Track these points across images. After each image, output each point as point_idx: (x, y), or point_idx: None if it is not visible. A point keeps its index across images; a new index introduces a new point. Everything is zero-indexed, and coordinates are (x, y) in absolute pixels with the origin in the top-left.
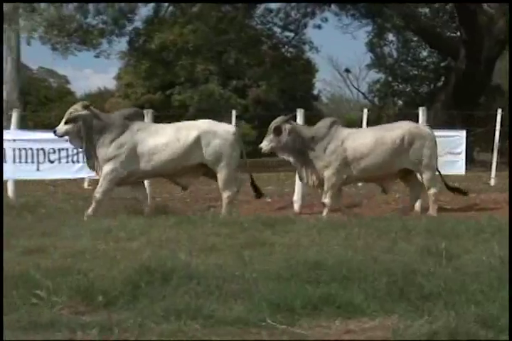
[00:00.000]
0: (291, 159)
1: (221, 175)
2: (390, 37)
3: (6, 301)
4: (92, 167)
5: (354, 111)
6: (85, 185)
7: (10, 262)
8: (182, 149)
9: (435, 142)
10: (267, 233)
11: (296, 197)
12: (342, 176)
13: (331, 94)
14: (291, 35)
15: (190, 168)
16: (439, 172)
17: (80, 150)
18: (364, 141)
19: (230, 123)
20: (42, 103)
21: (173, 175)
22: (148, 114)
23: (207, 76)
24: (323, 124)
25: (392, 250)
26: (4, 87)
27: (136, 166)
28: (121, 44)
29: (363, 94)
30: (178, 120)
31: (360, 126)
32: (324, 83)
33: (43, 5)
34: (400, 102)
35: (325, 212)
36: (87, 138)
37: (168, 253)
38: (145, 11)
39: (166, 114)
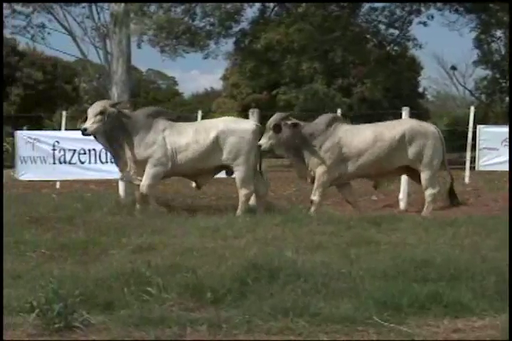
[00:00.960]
0: (290, 156)
1: (238, 173)
2: (498, 33)
3: (118, 298)
4: (121, 168)
5: (460, 109)
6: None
7: (122, 260)
8: (202, 150)
9: (440, 141)
10: (372, 231)
11: (402, 195)
12: (334, 174)
13: (437, 92)
14: (396, 32)
15: (211, 168)
16: (450, 173)
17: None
18: (362, 137)
19: None
20: (151, 104)
21: (194, 174)
22: (254, 113)
23: (312, 75)
24: (322, 120)
25: (501, 248)
26: (114, 88)
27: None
28: (228, 45)
29: (469, 91)
30: None
31: (467, 123)
32: (430, 81)
33: (152, 8)
34: (507, 99)
35: (312, 209)
36: (114, 137)
37: (275, 251)
38: (251, 12)
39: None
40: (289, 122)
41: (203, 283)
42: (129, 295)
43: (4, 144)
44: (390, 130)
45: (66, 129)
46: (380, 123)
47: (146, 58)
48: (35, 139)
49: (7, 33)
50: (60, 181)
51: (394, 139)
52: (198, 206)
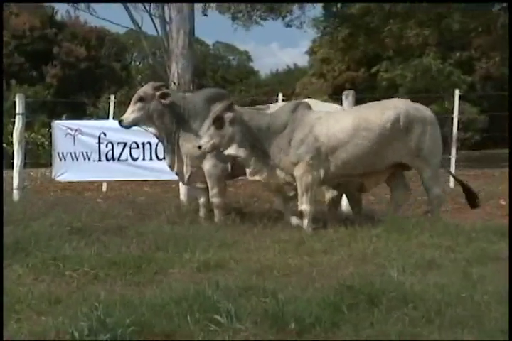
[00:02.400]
0: (242, 156)
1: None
2: None
3: (179, 327)
4: (171, 165)
5: None
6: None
7: (184, 280)
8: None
9: (438, 129)
10: (499, 245)
11: None
12: (319, 173)
13: None
14: None
15: None
16: (449, 170)
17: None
18: (341, 125)
19: (451, 105)
20: (219, 85)
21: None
22: (349, 96)
23: (422, 46)
24: (283, 109)
25: None
26: (174, 66)
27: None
28: (316, 9)
29: None
30: None
31: None
32: None
33: None
34: None
35: (305, 222)
36: (164, 128)
37: (376, 270)
38: None
39: (372, 97)
40: (229, 114)
41: (285, 310)
42: (193, 324)
43: (38, 137)
44: (377, 115)
45: (114, 118)
46: (362, 106)
47: (214, 28)
48: (76, 131)
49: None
50: (107, 182)
51: (384, 127)
52: (277, 212)
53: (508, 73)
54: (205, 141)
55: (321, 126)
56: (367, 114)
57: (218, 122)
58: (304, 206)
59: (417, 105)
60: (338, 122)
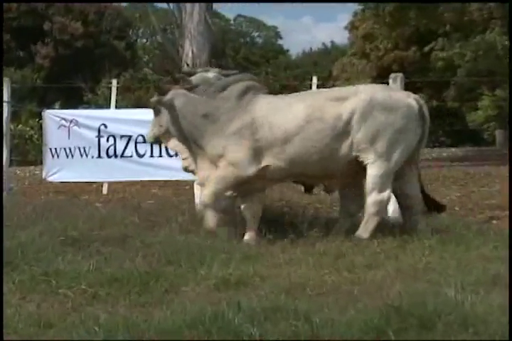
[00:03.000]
0: (181, 154)
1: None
2: None
3: None
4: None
5: None
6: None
7: (199, 300)
8: None
9: (415, 121)
10: None
11: None
12: (243, 172)
13: None
14: None
15: None
16: (418, 169)
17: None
18: (289, 114)
19: None
20: (242, 67)
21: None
22: (397, 79)
23: (485, 20)
24: (230, 93)
25: None
26: (188, 44)
27: None
28: None
29: None
30: (439, 89)
31: None
32: None
33: None
34: None
35: (207, 217)
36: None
37: (429, 288)
38: None
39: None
40: (165, 99)
41: (321, 336)
42: None
43: (26, 129)
44: (335, 103)
45: (117, 107)
46: (319, 91)
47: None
48: (71, 122)
49: None
50: (109, 183)
51: (340, 119)
52: (310, 218)
53: None
54: (150, 130)
55: (266, 115)
56: (323, 101)
57: (156, 108)
58: (204, 198)
59: (393, 91)
60: (286, 111)
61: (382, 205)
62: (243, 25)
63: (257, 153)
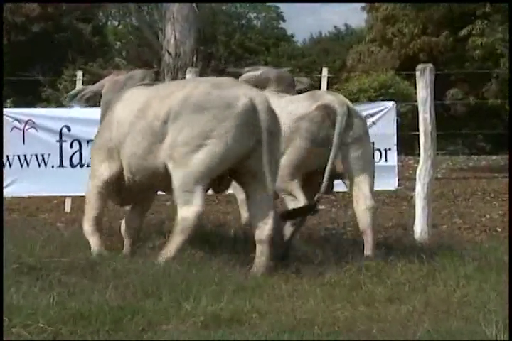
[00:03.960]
0: None
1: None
2: None
3: None
4: None
5: None
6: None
7: (184, 339)
8: None
9: (232, 125)
10: None
11: None
12: (100, 179)
13: None
14: None
15: None
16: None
17: None
18: (127, 108)
19: None
20: (236, 57)
21: None
22: (425, 72)
23: None
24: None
25: None
26: (170, 29)
27: None
28: None
29: None
30: (478, 83)
31: None
32: None
33: None
34: None
35: (92, 247)
36: None
37: (465, 327)
38: None
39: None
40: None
41: None
42: None
43: None
44: (160, 100)
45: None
46: (172, 84)
47: None
48: (27, 123)
49: None
50: (72, 198)
51: (158, 118)
52: (319, 241)
53: None
54: None
55: (119, 109)
56: (154, 96)
57: None
58: (86, 226)
59: (222, 90)
60: (130, 104)
61: (187, 223)
62: (237, 5)
63: (110, 156)
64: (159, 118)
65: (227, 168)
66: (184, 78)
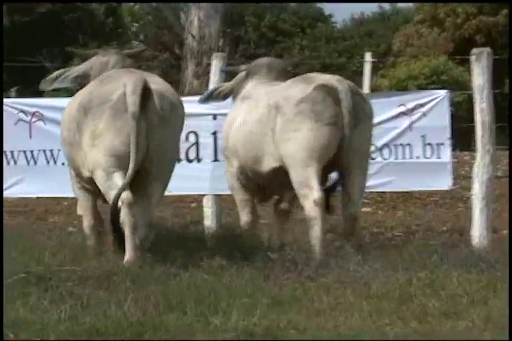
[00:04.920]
0: None
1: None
2: None
3: None
4: None
5: None
6: None
7: None
8: None
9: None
10: None
11: None
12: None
13: None
14: None
15: None
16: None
17: None
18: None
19: None
20: (267, 41)
21: None
22: (482, 56)
23: None
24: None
25: None
26: (194, 10)
27: None
28: None
29: None
30: None
31: None
32: None
33: None
34: None
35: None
36: None
37: None
38: None
39: None
40: None
41: None
42: None
43: None
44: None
45: None
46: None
47: None
48: (34, 115)
49: None
50: None
51: (73, 112)
52: (364, 247)
53: None
54: None
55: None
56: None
57: None
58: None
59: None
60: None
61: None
62: None
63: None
64: (72, 113)
65: None
66: (209, 64)
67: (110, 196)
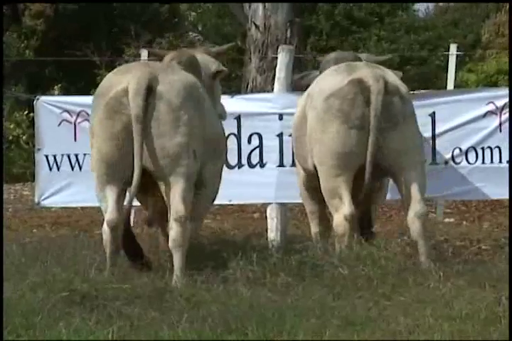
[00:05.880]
0: None
1: None
2: None
3: None
4: None
5: None
6: None
7: None
8: None
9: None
10: None
11: None
12: None
13: None
14: None
15: None
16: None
17: None
18: None
19: None
20: (341, 31)
21: None
22: None
23: None
24: None
25: None
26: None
27: None
28: None
29: None
30: None
31: None
32: None
33: None
34: None
35: None
36: None
37: None
38: None
39: None
40: None
41: None
42: None
43: (10, 127)
44: None
45: None
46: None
47: None
48: (79, 115)
49: None
50: (137, 209)
51: None
52: (445, 260)
53: None
54: None
55: None
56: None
57: None
58: None
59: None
60: None
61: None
62: None
63: None
64: None
65: None
66: (276, 58)
67: (102, 207)
